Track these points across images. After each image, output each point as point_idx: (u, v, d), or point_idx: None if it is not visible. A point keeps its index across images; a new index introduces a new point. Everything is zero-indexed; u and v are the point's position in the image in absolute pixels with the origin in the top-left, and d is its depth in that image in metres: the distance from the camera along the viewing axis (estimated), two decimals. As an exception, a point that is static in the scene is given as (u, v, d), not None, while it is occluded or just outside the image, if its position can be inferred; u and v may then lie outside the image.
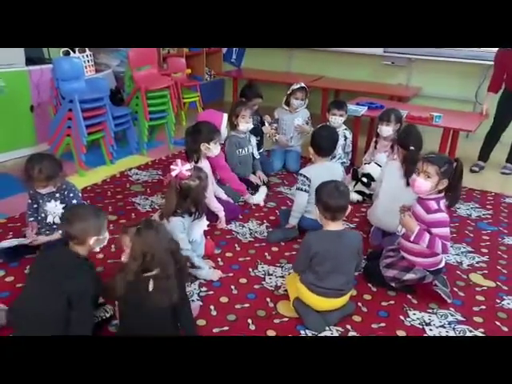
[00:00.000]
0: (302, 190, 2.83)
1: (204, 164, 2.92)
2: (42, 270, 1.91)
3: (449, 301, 2.34)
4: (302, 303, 2.17)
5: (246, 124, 3.45)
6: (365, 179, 3.46)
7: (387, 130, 3.40)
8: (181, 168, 2.31)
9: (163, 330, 1.83)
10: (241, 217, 3.17)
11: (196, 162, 2.87)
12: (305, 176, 2.81)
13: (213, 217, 2.92)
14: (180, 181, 2.31)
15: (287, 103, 4.06)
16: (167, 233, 1.88)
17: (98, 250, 2.01)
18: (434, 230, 2.21)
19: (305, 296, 2.16)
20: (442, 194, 2.26)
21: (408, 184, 2.64)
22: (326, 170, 2.84)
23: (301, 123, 4.07)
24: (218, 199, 3.02)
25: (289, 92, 4.04)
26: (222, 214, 2.96)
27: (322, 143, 2.86)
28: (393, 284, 2.39)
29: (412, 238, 2.24)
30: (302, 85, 4.00)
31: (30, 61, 3.98)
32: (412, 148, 2.70)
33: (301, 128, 4.07)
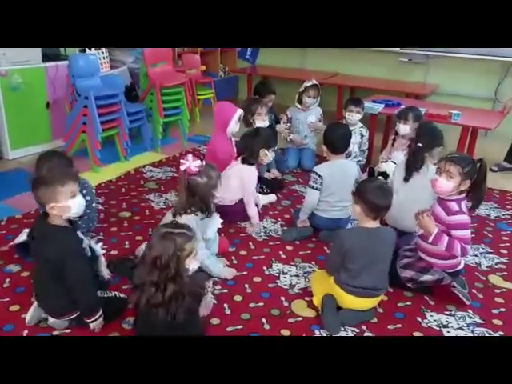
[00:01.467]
0: (313, 187, 2.80)
1: (255, 170, 2.96)
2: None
3: (467, 302, 2.29)
4: (331, 301, 2.14)
5: (262, 122, 3.43)
6: (381, 178, 3.40)
7: (404, 129, 3.34)
8: (190, 163, 2.29)
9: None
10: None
11: (251, 165, 2.93)
12: (317, 174, 2.78)
13: (237, 216, 2.97)
14: (188, 176, 2.30)
15: (299, 101, 4.01)
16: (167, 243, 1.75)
17: (65, 217, 1.93)
18: (454, 233, 2.16)
19: (338, 294, 2.14)
20: (464, 195, 2.21)
21: (406, 180, 2.62)
22: (340, 168, 2.80)
23: (314, 121, 4.03)
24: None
25: (301, 90, 3.99)
26: (256, 221, 2.96)
27: (335, 140, 2.82)
28: (409, 285, 2.34)
29: (430, 240, 2.19)
30: (314, 82, 3.95)
31: (46, 57, 4.02)
32: (419, 145, 2.62)
33: (314, 126, 4.03)
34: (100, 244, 2.22)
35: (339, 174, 2.78)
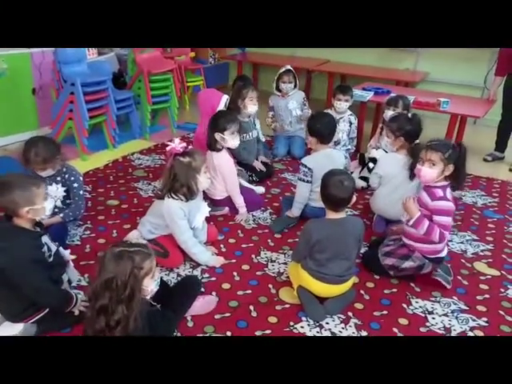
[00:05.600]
0: (303, 180, 2.78)
1: (224, 154, 2.90)
2: None
3: (448, 286, 2.33)
4: (305, 292, 2.16)
5: (253, 106, 3.41)
6: (371, 164, 3.41)
7: (393, 116, 3.32)
8: (176, 145, 2.31)
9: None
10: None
11: (218, 151, 2.87)
12: (306, 167, 2.75)
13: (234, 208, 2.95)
14: (173, 157, 2.31)
15: (278, 89, 4.00)
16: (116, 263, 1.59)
17: (38, 219, 1.91)
18: (436, 218, 2.19)
19: (307, 282, 2.15)
20: (449, 182, 2.23)
21: (411, 177, 2.63)
22: (328, 158, 2.78)
23: (295, 106, 4.00)
24: (242, 189, 3.00)
25: (276, 77, 3.99)
26: (243, 210, 2.94)
27: (323, 130, 2.79)
28: (391, 273, 2.36)
29: (411, 223, 2.23)
30: (288, 67, 3.95)
31: (31, 43, 3.94)
32: (418, 142, 2.66)
33: (304, 117, 3.99)
34: (68, 251, 2.12)
35: (328, 165, 2.75)
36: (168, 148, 2.33)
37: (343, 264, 2.11)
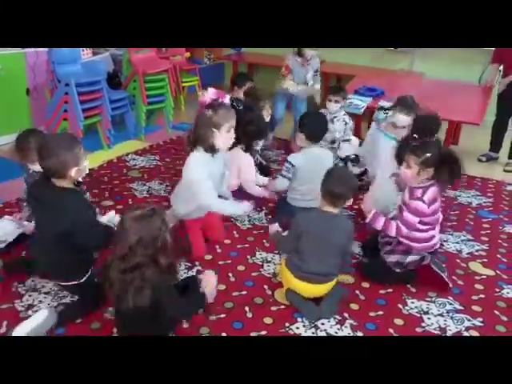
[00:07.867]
0: (284, 176, 2.78)
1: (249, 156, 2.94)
2: (37, 211, 2.02)
3: (444, 276, 2.33)
4: (294, 293, 2.17)
5: (267, 114, 3.41)
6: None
7: (406, 120, 2.93)
8: (208, 95, 2.31)
9: (140, 329, 1.78)
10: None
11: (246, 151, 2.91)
12: (291, 163, 2.74)
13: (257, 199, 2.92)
14: (200, 109, 2.31)
15: (300, 53, 3.88)
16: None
17: (80, 179, 2.00)
18: (404, 213, 2.25)
19: (291, 283, 2.16)
20: (431, 182, 2.25)
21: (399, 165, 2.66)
22: (316, 158, 2.76)
23: (311, 76, 4.01)
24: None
25: None
26: (265, 194, 2.92)
27: (314, 128, 2.77)
28: (397, 270, 2.35)
29: (367, 220, 2.33)
30: None
31: (25, 43, 3.92)
32: (415, 136, 2.63)
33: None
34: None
35: (315, 165, 2.73)
36: (199, 99, 2.35)
37: (326, 262, 2.10)
